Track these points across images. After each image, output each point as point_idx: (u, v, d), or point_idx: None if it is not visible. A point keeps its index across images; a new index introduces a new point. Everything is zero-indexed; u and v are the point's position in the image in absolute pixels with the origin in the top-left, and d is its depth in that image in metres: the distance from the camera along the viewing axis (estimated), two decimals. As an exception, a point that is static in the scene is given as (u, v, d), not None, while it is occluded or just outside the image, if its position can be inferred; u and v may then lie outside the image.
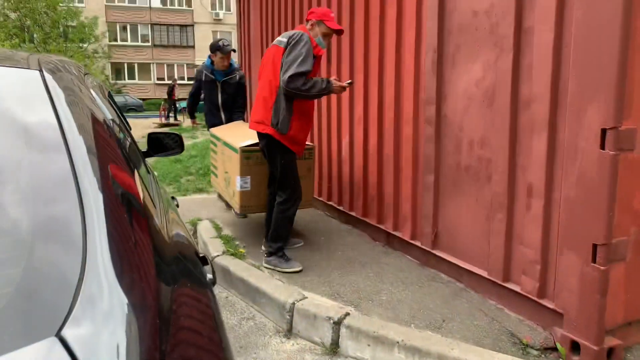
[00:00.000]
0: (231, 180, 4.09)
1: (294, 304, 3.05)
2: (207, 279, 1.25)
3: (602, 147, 2.24)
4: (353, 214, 4.52)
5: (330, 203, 4.96)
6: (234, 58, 5.48)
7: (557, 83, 2.49)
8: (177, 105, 21.89)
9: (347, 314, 2.88)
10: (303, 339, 2.96)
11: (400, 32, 3.73)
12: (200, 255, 1.41)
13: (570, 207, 2.42)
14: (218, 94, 5.27)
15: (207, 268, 1.35)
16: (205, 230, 4.60)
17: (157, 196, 1.43)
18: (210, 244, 4.19)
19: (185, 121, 20.02)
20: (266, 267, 3.64)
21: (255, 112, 3.59)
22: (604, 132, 2.24)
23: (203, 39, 36.17)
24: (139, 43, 36.75)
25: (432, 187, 3.41)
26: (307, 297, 3.13)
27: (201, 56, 35.52)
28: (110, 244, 0.71)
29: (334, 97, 4.88)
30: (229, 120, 5.32)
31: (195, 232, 4.69)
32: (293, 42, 3.32)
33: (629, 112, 2.25)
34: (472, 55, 3.03)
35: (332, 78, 3.54)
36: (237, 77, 5.33)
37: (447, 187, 3.35)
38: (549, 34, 2.49)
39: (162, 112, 20.57)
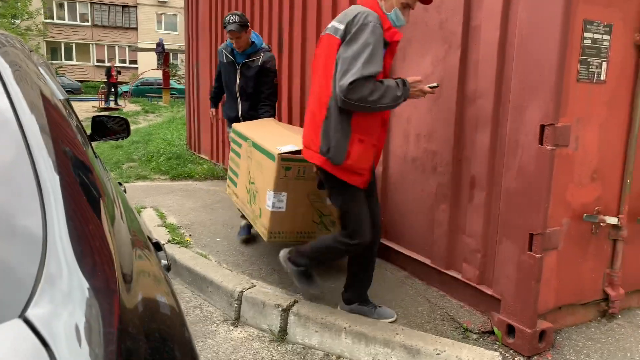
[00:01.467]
0: (259, 194, 3.05)
1: (242, 292, 3.04)
2: (162, 264, 1.23)
3: (541, 142, 2.37)
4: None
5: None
6: (256, 35, 4.12)
7: (501, 80, 2.61)
8: (118, 89, 21.04)
9: (296, 302, 2.91)
10: (251, 327, 2.96)
11: (352, 23, 3.76)
12: (154, 241, 1.38)
13: (509, 198, 2.55)
14: (236, 79, 4.13)
15: (161, 254, 1.33)
16: (149, 219, 4.48)
17: (108, 180, 1.39)
18: (154, 232, 4.10)
19: (127, 105, 19.31)
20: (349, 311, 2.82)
21: (304, 131, 2.65)
22: (542, 128, 2.37)
23: (147, 22, 34.90)
24: (78, 22, 34.94)
25: (381, 178, 3.49)
26: (255, 286, 3.13)
27: (145, 39, 34.30)
28: (70, 227, 0.69)
29: (283, 89, 4.87)
30: (249, 114, 4.14)
31: (139, 220, 4.56)
32: (355, 29, 2.30)
33: (565, 110, 2.40)
34: (423, 49, 3.11)
35: (411, 78, 2.49)
36: (260, 61, 4.02)
37: (395, 178, 3.44)
38: (494, 32, 2.60)
39: (100, 95, 19.70)
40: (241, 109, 4.15)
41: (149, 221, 4.40)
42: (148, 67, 28.60)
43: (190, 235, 4.05)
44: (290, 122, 4.80)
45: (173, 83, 24.53)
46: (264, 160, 3.01)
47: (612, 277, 2.82)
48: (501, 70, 2.60)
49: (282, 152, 2.83)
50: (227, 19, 3.87)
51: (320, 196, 3.00)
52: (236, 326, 2.98)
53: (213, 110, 4.78)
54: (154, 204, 5.03)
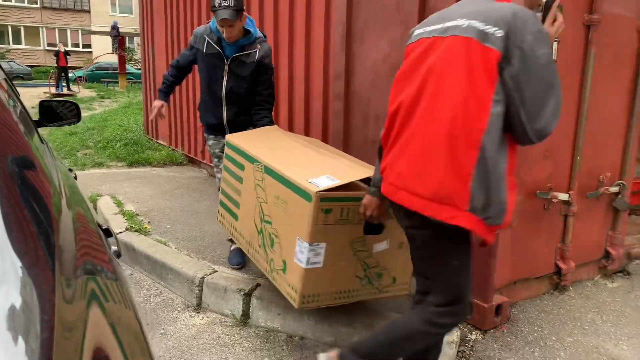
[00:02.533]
0: (281, 241, 2.30)
1: (203, 278, 3.01)
2: (112, 250, 1.19)
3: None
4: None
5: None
6: (250, 22, 3.10)
7: (457, 61, 2.63)
8: (72, 74, 20.25)
9: (258, 285, 2.90)
10: (213, 313, 2.94)
11: (310, 5, 3.72)
12: (104, 227, 1.34)
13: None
14: (223, 77, 3.10)
15: (112, 240, 1.29)
16: (106, 207, 4.36)
17: (54, 167, 1.33)
18: (112, 220, 3.99)
19: (81, 91, 18.63)
20: None
21: (415, 173, 1.70)
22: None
23: (100, 4, 33.54)
24: (25, 4, 33.27)
25: (342, 113, 3.45)
26: (217, 271, 3.10)
27: (98, 22, 33.03)
28: (4, 211, 0.66)
29: (282, 90, 4.57)
30: (237, 120, 3.21)
31: (95, 208, 4.43)
32: (531, 41, 1.55)
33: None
34: (380, 30, 3.11)
35: None
36: (257, 55, 3.05)
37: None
38: (450, 13, 2.61)
39: (51, 80, 18.89)
40: (227, 114, 3.18)
41: (106, 209, 4.28)
42: (103, 51, 27.59)
43: (149, 222, 3.97)
44: (291, 131, 4.10)
45: (129, 68, 23.78)
46: (291, 197, 2.20)
47: (563, 251, 2.93)
48: (457, 51, 2.62)
49: (321, 189, 2.05)
50: (216, 1, 2.84)
51: (366, 243, 2.30)
52: (198, 312, 2.95)
53: (160, 103, 3.27)
54: (111, 191, 4.89)
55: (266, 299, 2.77)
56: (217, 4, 2.83)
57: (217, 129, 3.29)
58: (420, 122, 1.71)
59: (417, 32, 1.88)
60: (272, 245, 2.37)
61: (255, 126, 3.17)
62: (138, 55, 24.49)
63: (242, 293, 2.84)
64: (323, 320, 2.61)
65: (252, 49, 3.06)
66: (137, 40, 28.72)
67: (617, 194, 3.09)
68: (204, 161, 5.83)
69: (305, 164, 2.47)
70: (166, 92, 3.35)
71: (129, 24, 30.98)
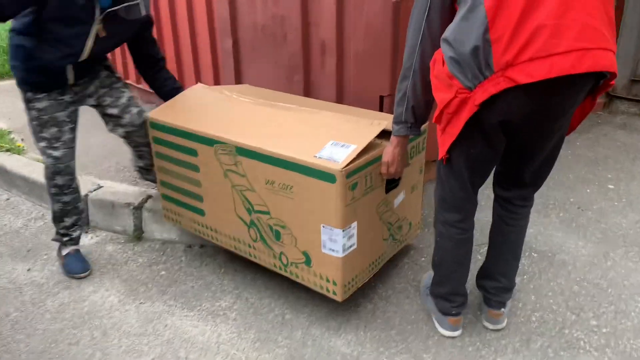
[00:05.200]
0: (297, 233, 1.92)
1: (87, 195, 2.73)
2: None
3: (386, -5, 2.19)
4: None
5: (127, 82, 4.43)
6: None
7: None
8: None
9: (149, 197, 2.68)
10: (103, 231, 2.72)
11: None
12: None
13: (359, 61, 2.42)
14: (89, 33, 2.02)
15: None
16: (-29, 126, 3.81)
17: None
18: (-22, 141, 3.50)
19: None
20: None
21: (598, 23, 1.34)
22: (386, -21, 2.17)
23: None
24: None
25: (232, 52, 3.17)
26: (102, 187, 2.82)
27: None
28: None
29: (166, 39, 4.04)
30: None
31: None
32: None
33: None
34: None
35: None
36: (142, 9, 2.01)
37: (246, 51, 3.14)
38: None
39: None
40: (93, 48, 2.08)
41: (-29, 129, 3.74)
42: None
43: (22, 140, 3.52)
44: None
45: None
46: (299, 180, 1.82)
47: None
48: None
49: (343, 165, 1.71)
50: None
51: (389, 202, 2.06)
52: (86, 232, 2.71)
53: None
54: (-23, 109, 4.29)
55: (159, 211, 2.57)
56: None
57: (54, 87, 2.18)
58: None
59: None
60: (279, 238, 1.98)
61: (163, 93, 2.47)
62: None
63: (132, 207, 2.61)
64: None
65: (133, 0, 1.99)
66: None
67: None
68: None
69: (288, 131, 1.99)
70: None
71: None
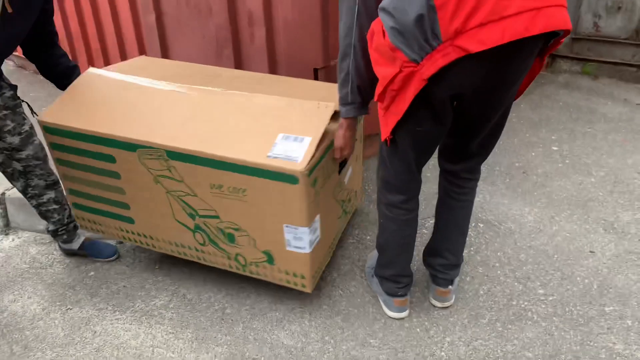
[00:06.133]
0: (255, 234, 1.77)
1: (3, 194, 2.49)
2: None
3: (311, -42, 2.02)
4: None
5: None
6: None
7: None
8: None
9: (73, 192, 2.46)
10: (26, 232, 2.49)
11: None
12: None
13: (290, 33, 2.26)
14: None
15: None
16: None
17: None
18: None
19: None
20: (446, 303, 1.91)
21: None
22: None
23: None
24: None
25: (156, 27, 2.93)
26: (20, 183, 2.58)
27: None
28: None
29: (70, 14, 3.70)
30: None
31: None
32: None
33: None
34: None
35: None
36: None
37: (171, 26, 2.90)
38: None
39: None
40: None
41: None
42: None
43: None
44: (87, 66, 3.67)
45: None
46: (252, 183, 1.64)
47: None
48: None
49: (304, 164, 1.56)
50: None
51: (341, 182, 1.99)
52: (7, 234, 2.49)
53: None
54: None
55: (84, 206, 2.36)
56: None
57: None
58: None
59: None
60: (232, 241, 1.81)
61: (58, 73, 2.05)
62: None
63: (54, 204, 2.39)
64: (153, 217, 2.29)
65: None
66: None
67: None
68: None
69: (226, 125, 1.73)
70: None
71: None
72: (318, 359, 1.71)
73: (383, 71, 1.34)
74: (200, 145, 1.66)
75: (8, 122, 1.88)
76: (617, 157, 2.83)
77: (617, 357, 1.66)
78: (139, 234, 2.02)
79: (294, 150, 1.59)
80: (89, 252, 2.28)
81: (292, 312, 1.91)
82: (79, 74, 2.03)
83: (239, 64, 2.58)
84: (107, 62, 3.53)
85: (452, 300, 1.89)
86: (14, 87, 1.93)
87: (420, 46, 1.23)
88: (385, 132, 1.48)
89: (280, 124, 1.68)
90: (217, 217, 1.78)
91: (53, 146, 1.94)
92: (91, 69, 2.05)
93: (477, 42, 1.18)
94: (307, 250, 1.72)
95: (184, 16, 2.78)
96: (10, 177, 2.04)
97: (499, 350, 1.71)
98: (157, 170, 1.78)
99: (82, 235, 2.29)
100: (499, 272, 2.04)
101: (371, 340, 1.77)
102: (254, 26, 2.40)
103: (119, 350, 1.80)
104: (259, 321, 1.88)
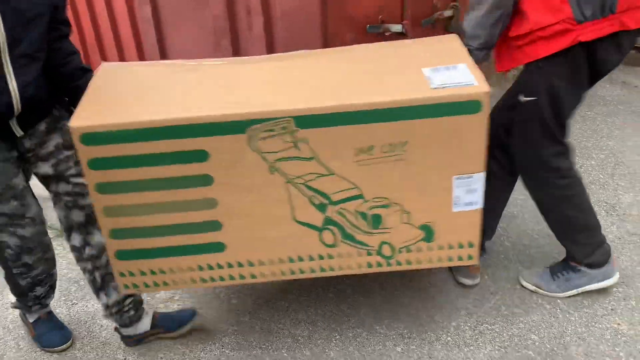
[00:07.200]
0: (412, 206, 1.46)
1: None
2: None
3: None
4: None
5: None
6: None
7: None
8: None
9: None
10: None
11: None
12: None
13: (288, 21, 2.24)
14: None
15: None
16: None
17: None
18: None
19: None
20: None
21: None
22: None
23: None
24: None
25: (152, 19, 2.90)
26: None
27: None
28: None
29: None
30: (35, 99, 1.45)
31: None
32: None
33: None
34: None
35: None
36: None
37: (168, 17, 2.88)
38: None
39: None
40: (18, 90, 1.40)
41: None
42: None
43: None
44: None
45: None
46: (421, 128, 1.34)
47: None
48: None
49: (486, 86, 1.32)
50: None
51: None
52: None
53: None
54: None
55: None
56: None
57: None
58: None
59: None
60: (378, 224, 1.47)
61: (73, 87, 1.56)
62: None
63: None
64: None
65: None
66: None
67: (451, 17, 2.94)
68: None
69: (354, 77, 1.45)
70: None
71: None
72: (325, 347, 1.72)
73: (538, 16, 1.41)
74: (342, 99, 1.32)
75: (70, 164, 1.56)
76: (617, 139, 2.83)
77: (622, 337, 1.67)
78: (229, 265, 1.53)
79: (458, 77, 1.33)
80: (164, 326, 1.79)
81: (298, 301, 1.92)
82: (89, 79, 1.51)
83: (236, 54, 2.56)
84: (104, 58, 3.50)
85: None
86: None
87: (593, 11, 1.35)
88: (505, 65, 1.55)
89: (413, 62, 1.44)
90: (359, 196, 1.44)
91: (93, 164, 1.37)
92: (105, 64, 1.65)
93: (635, 21, 1.36)
94: (480, 204, 1.45)
95: (180, 7, 2.75)
96: (68, 231, 1.62)
97: (504, 334, 1.72)
98: (277, 153, 1.37)
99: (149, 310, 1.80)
100: (502, 256, 2.05)
101: (377, 327, 1.78)
102: (252, 15, 2.38)
103: (126, 342, 1.80)
104: (265, 311, 1.89)
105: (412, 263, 1.55)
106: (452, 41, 1.54)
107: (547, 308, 1.80)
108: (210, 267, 1.53)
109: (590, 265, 1.76)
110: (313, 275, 1.56)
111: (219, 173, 1.39)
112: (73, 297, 2.04)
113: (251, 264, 1.53)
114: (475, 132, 1.35)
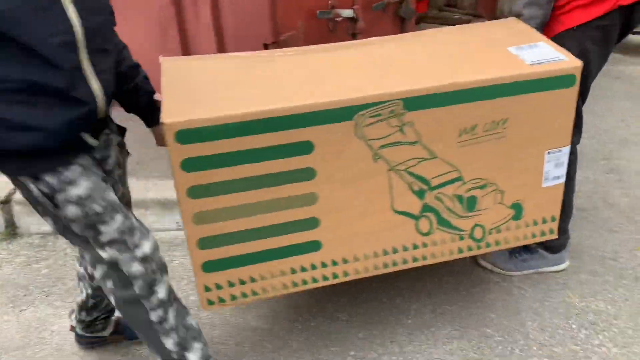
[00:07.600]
0: (507, 184, 1.50)
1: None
2: None
3: None
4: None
5: None
6: None
7: None
8: None
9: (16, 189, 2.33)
10: (-30, 233, 2.36)
11: None
12: None
13: (236, 9, 2.19)
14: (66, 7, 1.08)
15: None
16: None
17: None
18: None
19: None
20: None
21: None
22: None
23: None
24: None
25: (94, 10, 2.78)
26: (-42, 182, 2.42)
27: None
28: None
29: None
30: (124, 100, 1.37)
31: None
32: None
33: None
34: None
35: None
36: None
37: (113, 7, 2.77)
38: None
39: None
40: (101, 89, 1.18)
41: None
42: None
43: None
44: None
45: None
46: (520, 105, 1.39)
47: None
48: None
49: (578, 60, 1.40)
50: None
51: None
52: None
53: None
54: None
55: (31, 201, 2.24)
56: None
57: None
58: None
59: None
60: (473, 206, 1.48)
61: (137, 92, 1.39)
62: None
63: (-2, 202, 2.26)
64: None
65: None
66: None
67: (401, 2, 2.95)
68: None
69: (445, 59, 1.48)
70: None
71: None
72: (288, 338, 1.71)
73: None
74: (448, 78, 1.33)
75: (119, 186, 1.39)
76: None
77: (574, 310, 1.73)
78: (323, 265, 1.46)
79: (546, 53, 1.41)
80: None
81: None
82: (145, 76, 1.39)
83: (185, 44, 2.49)
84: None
85: None
86: (123, 131, 1.41)
87: None
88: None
89: (493, 42, 1.51)
90: (458, 179, 1.45)
91: (187, 166, 1.24)
92: (164, 58, 1.48)
93: None
94: (564, 178, 1.54)
95: (124, -4, 2.65)
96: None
97: (463, 313, 1.75)
98: (382, 139, 1.34)
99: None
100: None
101: (339, 315, 1.78)
102: (199, 5, 2.32)
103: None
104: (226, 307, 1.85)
105: (501, 243, 1.57)
106: (516, 23, 1.60)
107: (504, 286, 1.84)
108: (303, 269, 1.44)
109: (550, 249, 1.81)
110: (405, 266, 1.53)
111: (322, 165, 1.33)
112: (21, 303, 1.95)
113: (345, 261, 1.47)
114: (567, 105, 1.43)
